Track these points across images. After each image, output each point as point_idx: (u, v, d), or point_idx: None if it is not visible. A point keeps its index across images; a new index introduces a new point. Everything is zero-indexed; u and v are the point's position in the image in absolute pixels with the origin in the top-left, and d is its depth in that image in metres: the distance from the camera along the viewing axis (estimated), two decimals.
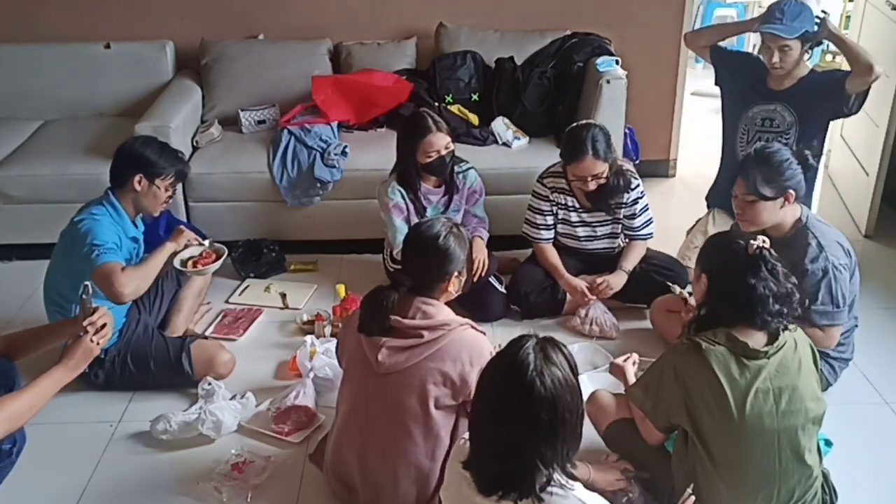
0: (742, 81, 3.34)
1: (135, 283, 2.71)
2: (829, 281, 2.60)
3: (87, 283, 2.20)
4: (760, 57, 3.23)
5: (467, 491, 1.66)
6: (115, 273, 2.66)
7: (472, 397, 1.73)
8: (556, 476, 1.60)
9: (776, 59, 3.13)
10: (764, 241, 2.16)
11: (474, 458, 1.67)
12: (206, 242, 3.06)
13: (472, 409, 1.72)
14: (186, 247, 2.98)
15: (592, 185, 3.16)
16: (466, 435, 1.78)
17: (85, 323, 2.12)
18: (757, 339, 2.09)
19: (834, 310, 2.63)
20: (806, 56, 3.19)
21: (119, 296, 2.67)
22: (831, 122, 3.34)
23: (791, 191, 2.63)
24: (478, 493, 1.64)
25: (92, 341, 2.11)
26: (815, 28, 3.10)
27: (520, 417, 1.58)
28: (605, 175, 3.15)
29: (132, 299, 2.77)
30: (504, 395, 1.60)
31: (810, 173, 2.78)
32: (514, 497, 1.59)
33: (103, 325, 2.14)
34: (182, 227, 3.06)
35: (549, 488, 1.59)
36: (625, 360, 2.54)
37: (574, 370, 1.65)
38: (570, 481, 1.63)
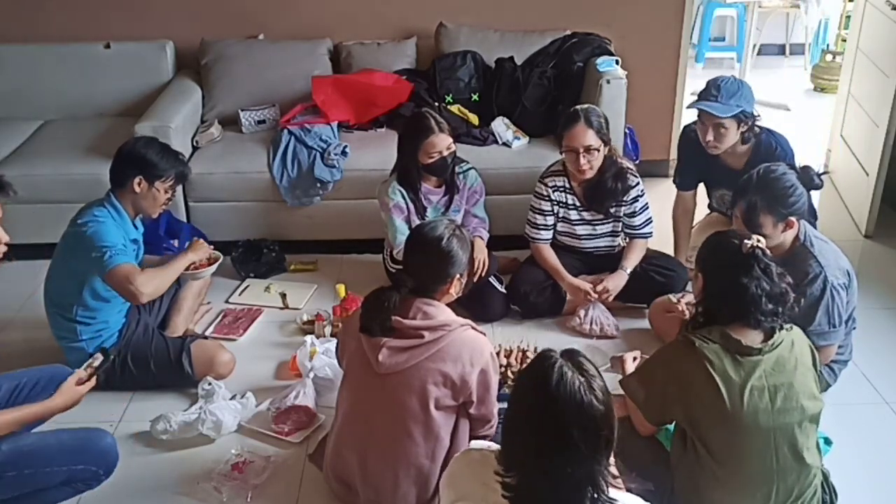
0: (703, 173, 3.33)
1: (153, 284, 2.75)
2: (827, 302, 2.57)
3: (105, 347, 2.38)
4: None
5: None
6: (134, 273, 2.70)
7: (503, 429, 1.57)
8: (602, 489, 1.51)
9: (710, 136, 3.05)
10: (759, 241, 2.16)
11: (520, 487, 1.52)
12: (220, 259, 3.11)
13: (509, 443, 1.57)
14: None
15: (584, 163, 3.11)
16: (474, 444, 1.76)
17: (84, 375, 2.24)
18: (752, 338, 2.09)
19: (830, 330, 2.61)
20: (742, 142, 3.08)
21: (138, 296, 2.70)
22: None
23: (792, 218, 2.59)
24: None
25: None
26: (754, 111, 3.02)
27: (578, 442, 1.47)
28: (595, 150, 3.10)
29: (149, 301, 2.81)
30: (557, 423, 1.48)
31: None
32: None
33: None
34: (201, 240, 3.10)
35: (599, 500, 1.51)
36: (626, 354, 2.56)
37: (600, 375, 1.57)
38: (614, 491, 1.54)
